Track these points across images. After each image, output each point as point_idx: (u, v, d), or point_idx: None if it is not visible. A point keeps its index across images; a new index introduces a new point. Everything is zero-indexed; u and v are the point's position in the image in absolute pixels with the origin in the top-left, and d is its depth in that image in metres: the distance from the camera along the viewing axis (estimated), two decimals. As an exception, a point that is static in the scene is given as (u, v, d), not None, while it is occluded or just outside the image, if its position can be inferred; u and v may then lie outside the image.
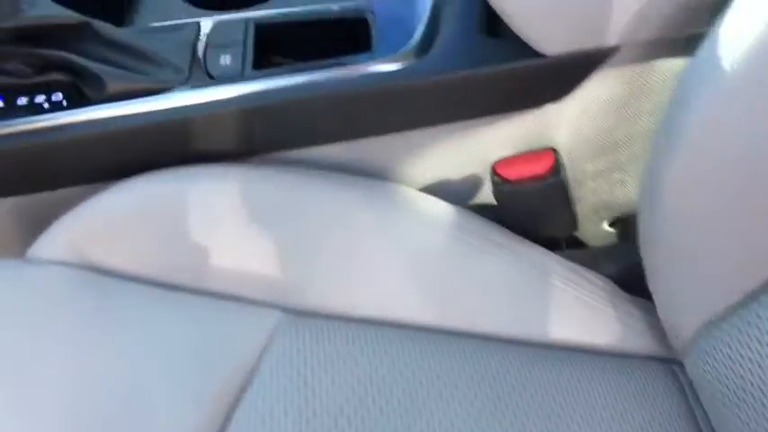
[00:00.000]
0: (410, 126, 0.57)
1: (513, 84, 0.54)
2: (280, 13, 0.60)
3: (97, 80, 0.53)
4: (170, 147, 0.54)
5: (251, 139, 0.55)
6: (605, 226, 0.74)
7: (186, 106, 0.52)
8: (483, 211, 0.64)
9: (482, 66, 0.53)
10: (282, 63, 0.61)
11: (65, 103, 0.54)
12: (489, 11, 0.57)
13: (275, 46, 0.61)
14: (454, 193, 0.64)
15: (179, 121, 0.53)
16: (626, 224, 0.74)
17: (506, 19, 0.51)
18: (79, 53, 0.54)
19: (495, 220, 0.61)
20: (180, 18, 0.61)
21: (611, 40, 0.51)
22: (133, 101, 0.53)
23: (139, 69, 0.54)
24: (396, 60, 0.54)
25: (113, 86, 0.53)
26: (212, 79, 0.54)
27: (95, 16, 0.69)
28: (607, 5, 0.49)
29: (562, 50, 0.52)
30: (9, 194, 0.57)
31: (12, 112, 0.54)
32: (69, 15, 0.53)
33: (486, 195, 0.65)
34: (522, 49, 0.52)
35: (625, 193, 0.68)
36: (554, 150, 0.59)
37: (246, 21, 0.59)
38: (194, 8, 0.63)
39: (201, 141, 0.55)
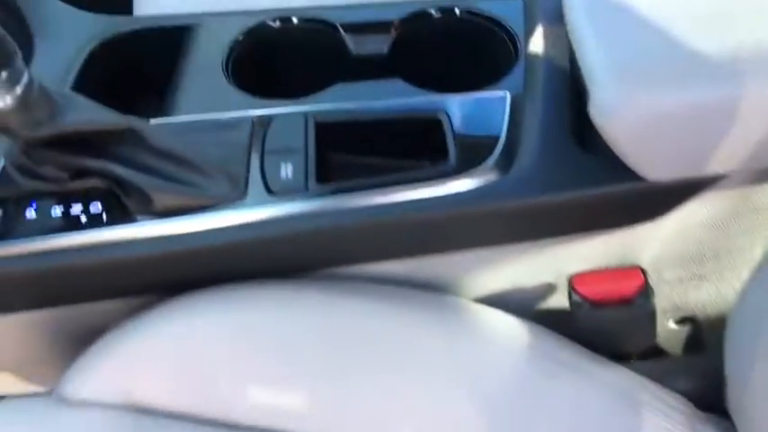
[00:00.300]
0: (485, 244, 0.51)
1: (605, 205, 0.49)
2: (343, 111, 0.54)
3: (142, 194, 0.47)
4: (221, 267, 0.49)
5: (309, 259, 0.50)
6: (672, 324, 0.69)
7: (243, 226, 0.47)
8: (552, 318, 0.59)
9: (572, 187, 0.48)
10: (345, 162, 0.55)
11: (104, 215, 0.48)
12: (578, 110, 0.51)
13: (337, 142, 0.55)
14: (522, 302, 0.58)
15: (234, 244, 0.47)
16: (694, 323, 0.69)
17: (606, 139, 0.46)
18: (121, 160, 0.48)
19: (567, 330, 0.56)
20: (227, 107, 0.55)
21: (719, 168, 0.46)
22: (183, 218, 0.47)
23: (190, 181, 0.48)
24: (475, 176, 0.48)
25: (160, 201, 0.47)
26: (271, 194, 0.48)
27: (134, 102, 0.64)
28: (717, 135, 0.44)
29: (665, 177, 0.46)
30: (38, 307, 0.51)
31: (45, 223, 0.48)
32: (110, 120, 0.47)
33: (557, 300, 0.60)
34: (617, 168, 0.47)
35: (700, 296, 0.63)
36: (641, 270, 0.53)
37: (306, 116, 0.53)
38: (242, 93, 0.57)
39: (255, 262, 0.49)
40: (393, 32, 0.62)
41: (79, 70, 0.60)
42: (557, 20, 0.57)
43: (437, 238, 0.50)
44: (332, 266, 0.51)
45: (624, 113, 0.43)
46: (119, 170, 0.47)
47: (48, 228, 0.48)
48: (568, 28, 0.49)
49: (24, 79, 0.44)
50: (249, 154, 0.50)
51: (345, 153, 0.56)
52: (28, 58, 0.61)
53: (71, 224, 0.48)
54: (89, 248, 0.47)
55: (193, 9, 0.75)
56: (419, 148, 0.56)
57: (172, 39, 0.64)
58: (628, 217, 0.50)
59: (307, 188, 0.48)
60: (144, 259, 0.47)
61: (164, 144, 0.48)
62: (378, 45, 0.62)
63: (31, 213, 0.49)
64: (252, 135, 0.52)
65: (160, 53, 0.64)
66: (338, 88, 0.57)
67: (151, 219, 0.47)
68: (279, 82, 0.67)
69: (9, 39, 0.43)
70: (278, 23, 0.63)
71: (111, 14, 0.67)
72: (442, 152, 0.52)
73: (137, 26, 0.64)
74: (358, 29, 0.63)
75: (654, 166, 0.46)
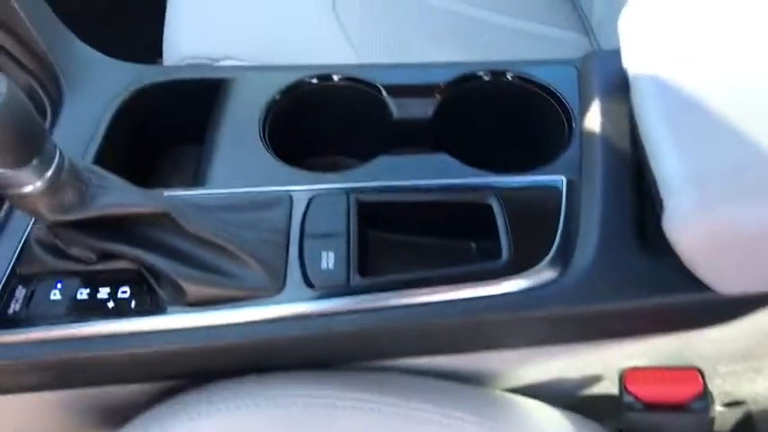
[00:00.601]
0: (535, 343, 0.48)
1: (668, 313, 0.46)
2: (386, 188, 0.51)
3: (173, 283, 0.44)
4: (256, 361, 0.46)
5: (347, 354, 0.47)
6: (720, 407, 0.65)
7: (281, 322, 0.44)
8: (597, 407, 0.56)
9: (633, 294, 0.44)
10: (387, 241, 0.52)
11: (133, 301, 0.45)
12: (639, 202, 0.48)
13: (380, 221, 0.52)
14: (566, 392, 0.55)
15: (270, 340, 0.44)
16: (744, 406, 0.66)
17: (675, 249, 0.42)
18: (152, 244, 0.45)
19: (611, 418, 0.53)
20: (264, 178, 0.52)
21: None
22: (216, 310, 0.44)
23: (225, 270, 0.45)
24: (529, 277, 0.45)
25: (193, 292, 0.44)
26: (311, 287, 0.45)
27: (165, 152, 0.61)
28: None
29: (737, 291, 0.43)
30: (62, 388, 0.49)
31: (70, 305, 0.45)
32: (142, 204, 0.44)
33: (604, 389, 0.57)
34: (683, 276, 0.43)
35: (755, 388, 0.59)
36: (700, 372, 0.50)
37: (348, 194, 0.50)
38: (279, 162, 0.54)
39: (292, 356, 0.46)
40: (438, 96, 0.59)
41: (111, 120, 0.58)
42: (614, 91, 0.54)
43: (484, 337, 0.47)
44: (370, 360, 0.48)
45: (700, 227, 0.40)
46: (149, 258, 0.44)
47: (72, 311, 0.45)
48: (637, 121, 0.46)
49: (55, 163, 0.41)
50: (288, 238, 0.47)
51: (388, 231, 0.53)
52: (57, 108, 0.59)
53: (97, 308, 0.45)
54: (115, 338, 0.44)
55: (221, 54, 0.73)
56: (467, 228, 0.53)
57: (205, 92, 0.61)
58: (691, 323, 0.47)
59: (349, 282, 0.45)
60: (174, 352, 0.44)
61: (198, 228, 0.45)
62: (422, 109, 0.59)
63: (55, 294, 0.46)
64: (290, 215, 0.49)
65: (193, 105, 0.61)
66: (380, 162, 0.54)
67: (182, 309, 0.44)
68: (317, 143, 0.64)
69: (41, 125, 0.40)
70: (317, 82, 0.60)
71: (140, 62, 0.64)
72: (491, 235, 0.49)
73: (170, 77, 0.61)
74: (401, 91, 0.59)
75: (726, 280, 0.42)
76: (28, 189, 0.41)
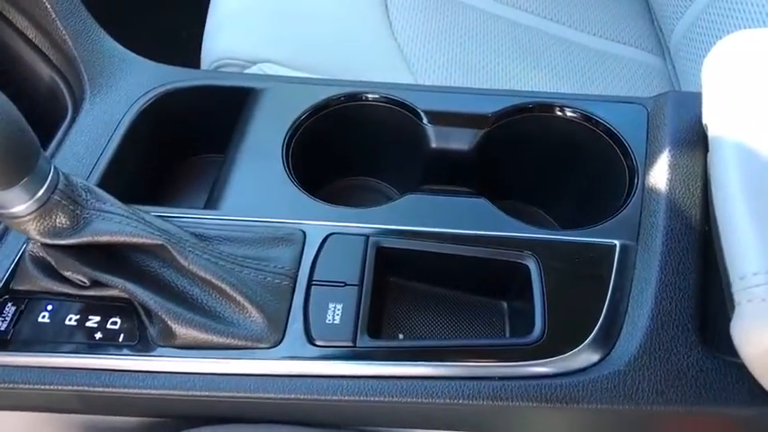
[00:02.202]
0: None
1: (730, 425, 0.39)
2: (410, 233, 0.45)
3: (163, 323, 0.40)
4: (243, 413, 0.42)
5: (346, 419, 0.42)
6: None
7: (273, 381, 0.39)
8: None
9: (689, 398, 0.37)
10: (403, 288, 0.47)
11: (121, 335, 0.41)
12: (704, 288, 0.41)
13: (399, 267, 0.47)
14: None
15: (260, 398, 0.40)
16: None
17: (743, 358, 0.35)
18: (147, 277, 0.42)
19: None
20: (279, 207, 0.47)
21: None
22: (206, 357, 0.40)
23: (220, 314, 0.41)
24: (565, 358, 0.39)
25: (183, 335, 0.40)
26: (312, 344, 0.40)
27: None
28: None
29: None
30: (44, 411, 0.46)
31: (57, 330, 0.42)
32: (137, 235, 0.40)
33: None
34: (754, 386, 0.36)
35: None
36: None
37: (368, 237, 0.45)
38: (298, 188, 0.49)
39: (283, 414, 0.41)
40: (483, 128, 0.52)
41: (131, 123, 0.54)
42: (689, 145, 0.46)
43: (502, 423, 0.41)
44: (368, 427, 0.43)
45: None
46: (139, 292, 0.40)
47: (59, 336, 0.42)
48: (714, 197, 0.38)
49: (47, 183, 0.38)
50: (294, 283, 0.43)
51: (409, 279, 0.48)
52: (79, 106, 0.56)
53: (84, 337, 0.42)
54: (97, 373, 0.41)
55: (261, 56, 0.68)
56: (499, 286, 0.47)
57: (233, 100, 0.57)
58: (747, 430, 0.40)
59: (355, 342, 0.40)
60: (156, 395, 0.41)
61: (195, 265, 0.41)
62: (463, 141, 0.53)
63: (44, 317, 0.43)
64: (301, 255, 0.44)
65: (218, 113, 0.57)
66: (408, 200, 0.48)
67: (170, 351, 0.40)
68: (346, 164, 0.59)
69: (35, 142, 0.37)
70: (349, 102, 0.55)
71: (178, 58, 0.61)
72: (526, 296, 0.43)
73: (197, 83, 0.57)
74: (443, 118, 0.53)
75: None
76: (16, 209, 0.37)
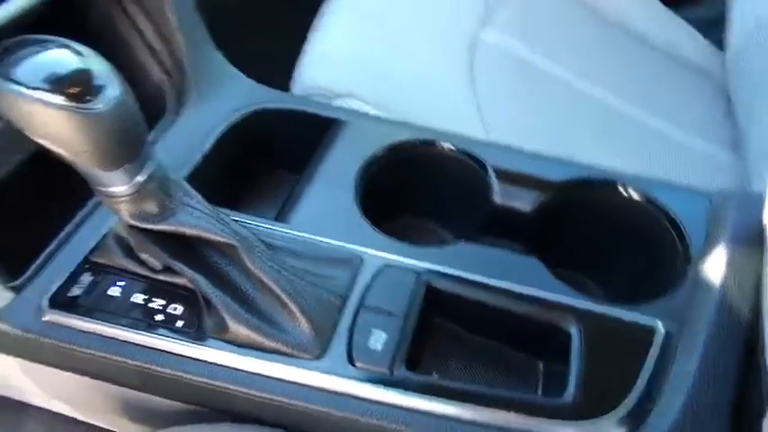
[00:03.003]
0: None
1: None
2: (460, 280, 0.47)
3: (220, 317, 0.44)
4: (275, 417, 0.44)
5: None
6: None
7: (309, 389, 0.42)
8: None
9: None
10: (443, 329, 0.49)
11: (180, 321, 0.45)
12: (743, 384, 0.41)
13: (443, 308, 0.49)
14: None
15: (293, 403, 0.42)
16: None
17: None
18: (214, 272, 0.45)
19: None
20: (342, 232, 0.50)
21: None
22: (252, 357, 0.43)
23: (272, 318, 0.44)
24: (592, 428, 0.40)
25: (235, 331, 0.43)
26: (351, 364, 0.42)
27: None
28: None
29: None
30: (98, 379, 0.49)
31: (123, 305, 0.46)
32: (215, 233, 0.44)
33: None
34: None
35: None
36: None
37: (419, 274, 0.47)
38: (363, 219, 0.52)
39: (311, 425, 0.43)
40: (547, 193, 0.55)
41: (221, 134, 0.59)
42: (748, 246, 0.47)
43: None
44: None
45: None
46: (204, 284, 0.44)
47: (124, 310, 0.46)
48: (764, 301, 0.39)
49: (146, 172, 0.42)
50: (345, 304, 0.45)
51: (452, 322, 0.50)
52: (179, 110, 0.61)
53: (146, 316, 0.45)
54: (151, 352, 0.44)
55: (346, 90, 0.73)
56: (538, 346, 0.48)
57: (316, 127, 0.61)
58: None
59: (392, 371, 0.42)
60: (200, 383, 0.43)
61: (260, 269, 0.44)
62: (526, 201, 0.55)
63: (114, 291, 0.47)
64: (355, 279, 0.47)
65: (302, 137, 0.61)
66: (463, 247, 0.50)
67: (221, 344, 0.43)
68: (410, 204, 0.62)
69: (145, 132, 0.41)
70: (425, 146, 0.58)
71: (272, 81, 0.66)
72: (563, 360, 0.44)
73: (286, 106, 0.62)
74: (509, 177, 0.56)
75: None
76: (115, 189, 0.42)
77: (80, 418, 0.65)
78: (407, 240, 0.51)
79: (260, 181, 0.66)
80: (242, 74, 0.65)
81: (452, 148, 0.57)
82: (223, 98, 0.62)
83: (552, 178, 0.55)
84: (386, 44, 0.80)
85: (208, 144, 0.58)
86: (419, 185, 0.60)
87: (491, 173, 0.56)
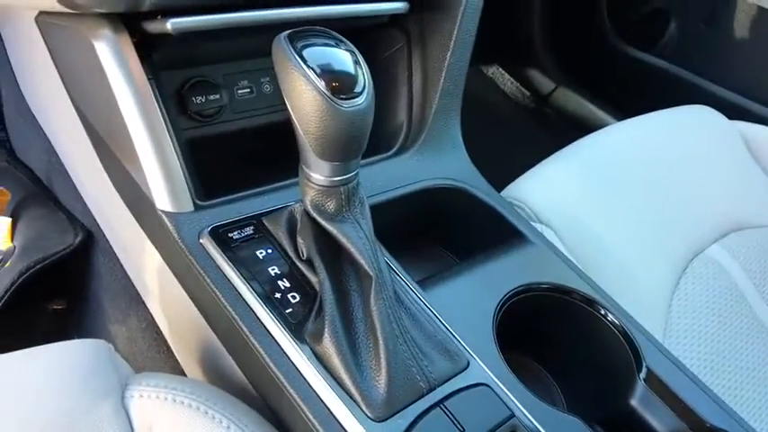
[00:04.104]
0: None
1: None
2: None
3: (320, 328, 0.45)
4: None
5: None
6: None
7: None
8: None
9: None
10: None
11: (289, 309, 0.47)
12: None
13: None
14: None
15: None
16: None
17: None
18: (341, 289, 0.47)
19: None
20: (469, 329, 0.50)
21: None
22: (323, 378, 0.43)
23: (362, 358, 0.44)
24: None
25: (319, 351, 0.44)
26: None
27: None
28: None
29: None
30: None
31: (257, 268, 0.49)
32: (364, 259, 0.46)
33: None
34: None
35: None
36: None
37: (511, 415, 0.45)
38: (492, 333, 0.51)
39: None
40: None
41: (418, 189, 0.62)
42: None
43: None
44: None
45: None
46: (326, 291, 0.46)
47: (256, 272, 0.49)
48: None
49: (345, 176, 0.45)
50: (430, 392, 0.44)
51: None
52: (401, 151, 0.66)
53: (267, 287, 0.48)
54: (249, 313, 0.47)
55: (545, 217, 0.73)
56: None
57: (503, 230, 0.62)
58: None
59: None
60: (264, 364, 0.45)
61: (377, 312, 0.45)
62: (662, 424, 0.49)
63: (261, 253, 0.51)
64: (453, 376, 0.46)
65: (482, 227, 0.62)
66: (569, 421, 0.46)
67: (308, 350, 0.45)
68: (539, 343, 0.59)
69: (365, 144, 0.45)
70: (588, 304, 0.56)
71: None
72: None
73: (491, 201, 0.64)
74: (660, 391, 0.51)
75: None
76: (314, 175, 0.46)
77: (170, 342, 0.70)
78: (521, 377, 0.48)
79: (418, 245, 0.67)
80: (466, 153, 0.68)
81: (616, 323, 0.54)
82: (439, 164, 0.65)
83: (706, 420, 0.48)
84: (607, 206, 0.79)
85: (400, 192, 0.61)
86: (556, 337, 0.57)
87: (643, 373, 0.51)
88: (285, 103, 0.43)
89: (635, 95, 1.24)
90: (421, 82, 0.67)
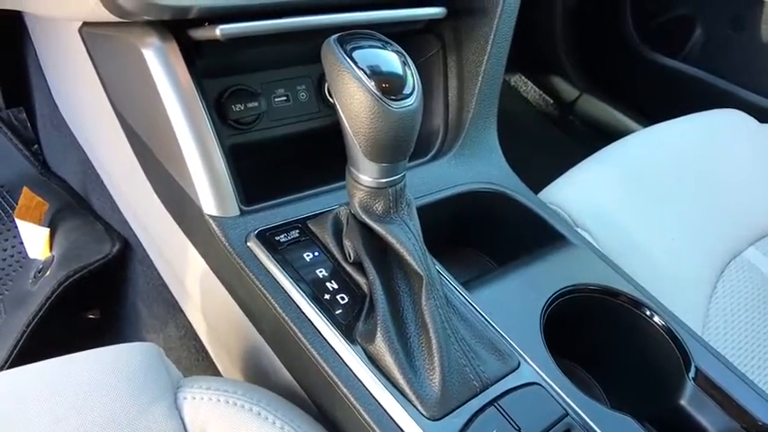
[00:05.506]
0: None
1: None
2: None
3: (372, 329, 0.45)
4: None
5: None
6: None
7: None
8: None
9: None
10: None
11: (339, 311, 0.47)
12: None
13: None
14: None
15: None
16: None
17: None
18: (392, 289, 0.47)
19: None
20: (521, 336, 0.49)
21: None
22: (376, 378, 0.43)
23: (416, 359, 0.44)
24: None
25: (372, 351, 0.44)
26: None
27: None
28: None
29: None
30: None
31: (305, 270, 0.50)
32: (413, 258, 0.46)
33: None
34: None
35: None
36: None
37: (565, 414, 0.44)
38: (539, 331, 0.51)
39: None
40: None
41: (458, 193, 0.62)
42: None
43: None
44: None
45: None
46: (378, 292, 0.46)
47: (304, 274, 0.49)
48: None
49: (393, 178, 0.46)
50: (482, 391, 0.44)
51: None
52: (440, 154, 0.67)
53: (316, 288, 0.48)
54: (299, 314, 0.47)
55: (582, 221, 0.72)
56: None
57: (543, 232, 0.61)
58: None
59: None
60: (316, 365, 0.45)
61: (429, 312, 0.45)
62: (712, 424, 0.48)
63: (308, 255, 0.51)
64: (505, 375, 0.45)
65: (520, 233, 0.62)
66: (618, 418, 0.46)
67: (360, 351, 0.45)
68: (583, 345, 0.58)
69: (412, 146, 0.46)
70: (634, 304, 0.55)
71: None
72: None
73: (530, 204, 0.64)
74: (711, 390, 0.50)
75: None
76: (363, 177, 0.46)
77: (208, 348, 0.71)
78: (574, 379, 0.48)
79: (453, 246, 0.67)
80: (503, 156, 0.68)
81: (663, 324, 0.53)
82: (477, 168, 0.66)
83: (758, 418, 0.48)
84: (643, 209, 0.78)
85: (439, 196, 0.61)
86: (600, 338, 0.57)
87: (690, 370, 0.50)
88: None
89: (661, 101, 1.23)
90: (457, 87, 0.68)
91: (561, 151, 1.36)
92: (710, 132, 0.91)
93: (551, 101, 1.43)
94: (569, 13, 1.33)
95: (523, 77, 1.46)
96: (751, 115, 0.95)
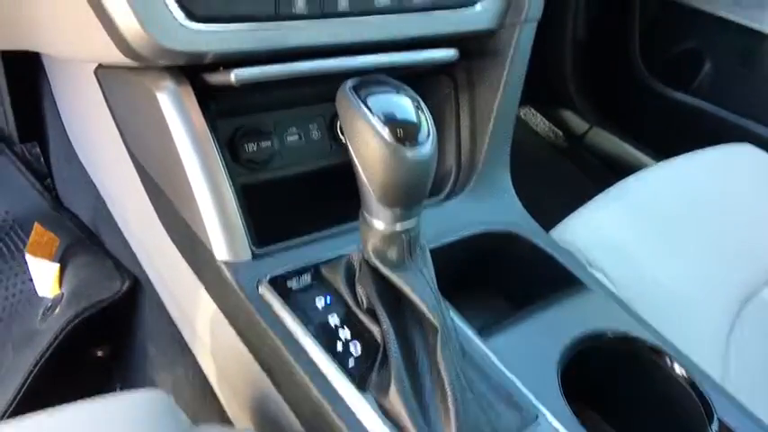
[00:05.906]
0: None
1: None
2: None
3: (386, 380, 0.44)
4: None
5: None
6: None
7: None
8: None
9: None
10: None
11: (351, 361, 0.46)
12: None
13: None
14: None
15: None
16: None
17: None
18: (406, 339, 0.46)
19: None
20: (534, 381, 0.48)
21: None
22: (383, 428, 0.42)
23: (427, 409, 0.43)
24: None
25: (390, 400, 0.43)
26: None
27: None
28: None
29: None
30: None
31: (315, 316, 0.49)
32: (429, 310, 0.45)
33: None
34: None
35: None
36: None
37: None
38: (557, 381, 0.49)
39: None
40: None
41: (471, 235, 0.62)
42: None
43: None
44: None
45: None
46: (392, 344, 0.45)
47: (313, 320, 0.49)
48: None
49: (407, 224, 0.45)
50: None
51: None
52: (453, 193, 0.66)
53: (329, 336, 0.48)
54: (310, 363, 0.46)
55: (596, 259, 0.71)
56: None
57: (556, 274, 0.60)
58: None
59: None
60: (330, 415, 0.44)
61: (444, 362, 0.44)
62: None
63: (319, 301, 0.50)
64: (522, 429, 0.44)
65: (535, 274, 0.61)
66: None
67: (372, 401, 0.44)
68: (604, 395, 0.57)
69: (426, 192, 0.45)
70: (653, 354, 0.54)
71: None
72: None
73: (542, 245, 0.63)
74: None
75: None
76: (375, 222, 0.45)
77: (216, 390, 0.70)
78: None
79: (467, 289, 0.66)
80: (516, 197, 0.68)
81: (684, 374, 0.52)
82: (491, 209, 0.65)
83: None
84: (656, 248, 0.77)
85: (452, 238, 0.61)
86: (619, 386, 0.55)
87: (715, 425, 0.49)
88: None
89: (672, 135, 1.23)
90: (469, 127, 0.67)
91: (571, 183, 1.36)
92: (723, 168, 0.91)
93: (561, 133, 1.43)
94: (579, 46, 1.34)
95: (533, 110, 1.46)
96: (763, 149, 0.95)
